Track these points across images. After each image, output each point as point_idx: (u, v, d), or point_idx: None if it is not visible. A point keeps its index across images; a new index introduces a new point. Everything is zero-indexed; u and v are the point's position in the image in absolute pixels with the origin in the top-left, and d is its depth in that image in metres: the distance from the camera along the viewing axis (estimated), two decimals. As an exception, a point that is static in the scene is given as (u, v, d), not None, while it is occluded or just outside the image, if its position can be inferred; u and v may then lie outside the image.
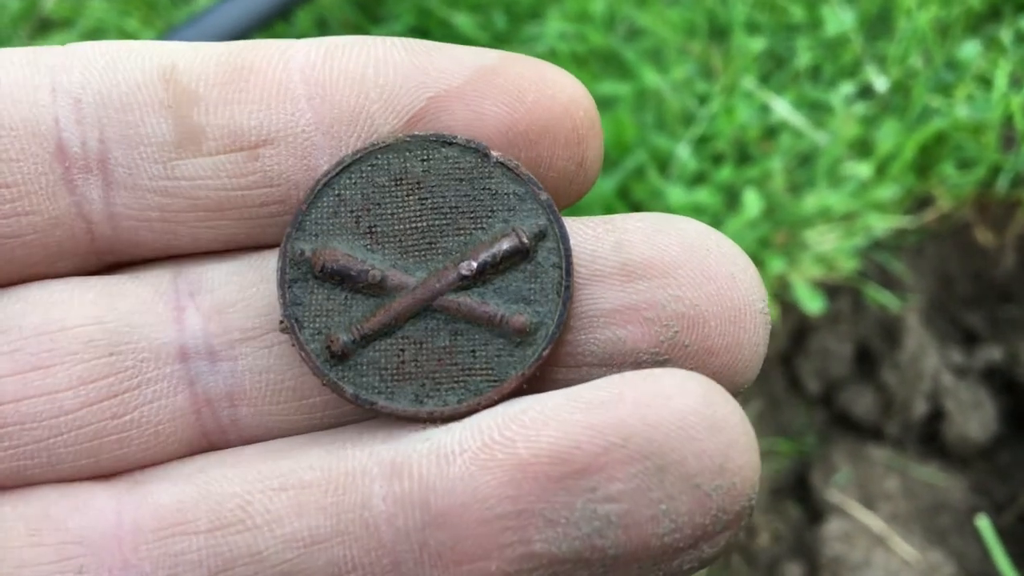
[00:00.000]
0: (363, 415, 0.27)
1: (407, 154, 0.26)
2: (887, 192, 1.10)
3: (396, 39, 0.26)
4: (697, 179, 1.13)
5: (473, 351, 0.26)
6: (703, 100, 1.15)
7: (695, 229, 0.26)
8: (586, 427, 0.23)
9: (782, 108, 1.13)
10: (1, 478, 0.26)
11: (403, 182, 0.26)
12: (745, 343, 0.25)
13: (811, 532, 1.03)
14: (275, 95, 0.26)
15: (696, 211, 1.09)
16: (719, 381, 0.25)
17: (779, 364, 1.13)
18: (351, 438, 0.26)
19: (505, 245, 0.26)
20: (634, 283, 0.25)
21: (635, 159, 1.12)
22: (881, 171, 1.12)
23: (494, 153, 0.26)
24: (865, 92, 1.16)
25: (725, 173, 1.11)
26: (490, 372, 0.25)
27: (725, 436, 0.23)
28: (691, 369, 0.25)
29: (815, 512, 1.04)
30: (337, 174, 0.26)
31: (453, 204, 0.26)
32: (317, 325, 0.26)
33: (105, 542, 0.25)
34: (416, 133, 0.26)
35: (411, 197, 0.26)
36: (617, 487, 0.22)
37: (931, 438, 1.08)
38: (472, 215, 0.26)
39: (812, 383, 1.11)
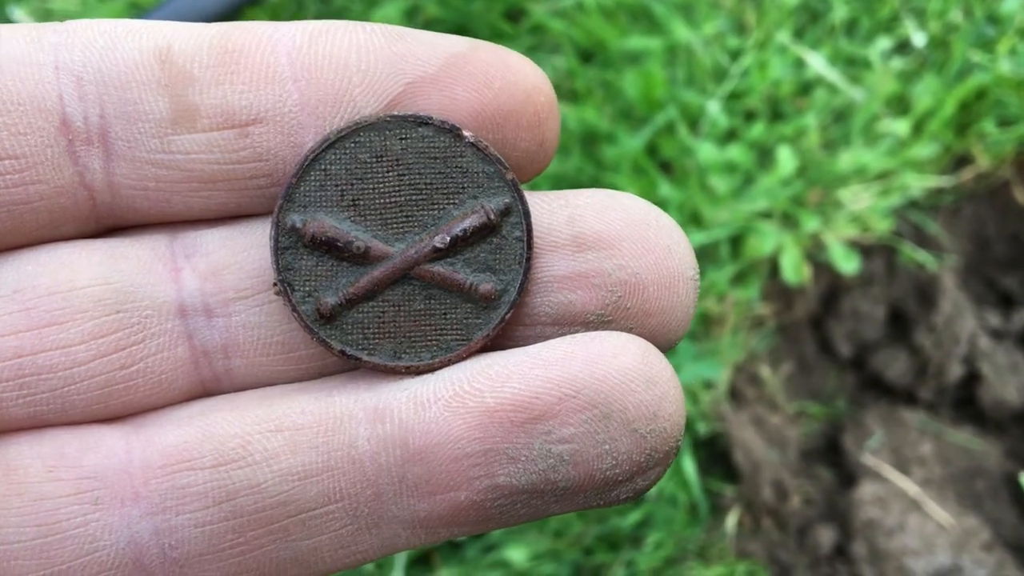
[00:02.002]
0: (346, 367, 0.30)
1: (387, 132, 0.28)
2: (924, 150, 1.07)
3: (375, 25, 0.28)
4: (728, 136, 1.10)
5: (445, 314, 0.29)
6: (735, 55, 1.12)
7: (638, 206, 0.29)
8: (544, 380, 0.27)
9: (817, 63, 1.10)
10: (18, 422, 0.29)
11: (384, 159, 0.29)
12: (678, 306, 0.29)
13: (843, 496, 1.01)
14: (264, 77, 0.28)
15: (728, 168, 1.06)
16: (654, 339, 0.29)
17: (810, 326, 1.10)
18: (337, 387, 0.29)
19: (474, 221, 0.29)
20: (584, 253, 0.29)
21: (665, 116, 1.09)
22: (918, 129, 1.09)
23: (466, 133, 0.28)
24: (903, 47, 1.12)
25: (757, 130, 1.08)
26: (460, 332, 0.29)
27: (658, 389, 0.27)
28: (630, 328, 0.29)
29: (847, 476, 1.02)
30: (323, 150, 0.28)
31: (428, 181, 0.29)
32: (307, 288, 0.29)
33: (117, 477, 0.28)
34: (396, 113, 0.28)
35: (391, 173, 0.29)
36: (569, 430, 0.27)
37: (966, 402, 1.06)
38: (446, 191, 0.29)
39: (844, 346, 1.08)
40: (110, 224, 0.30)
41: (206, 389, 0.30)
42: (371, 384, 0.29)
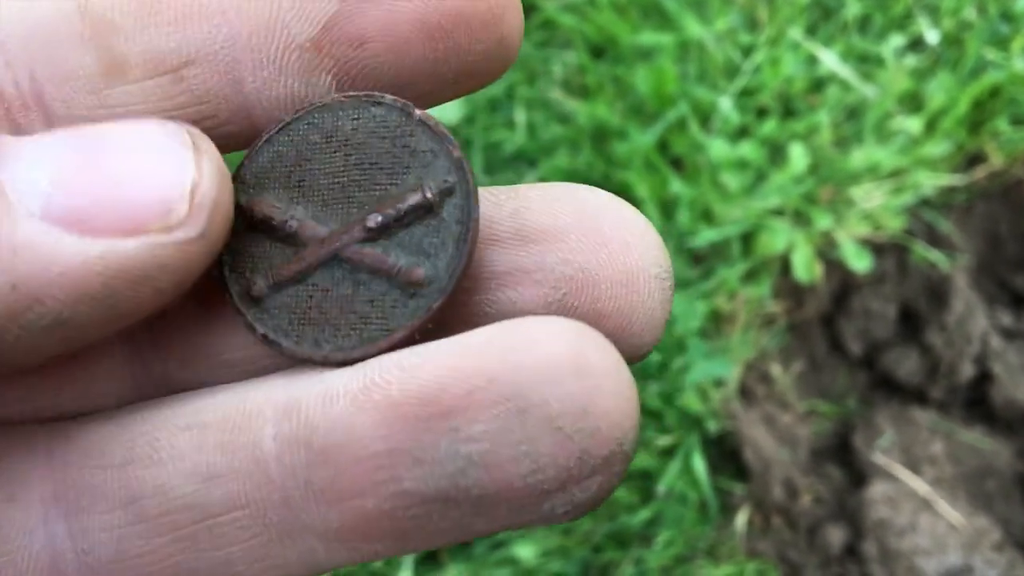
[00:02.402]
0: (270, 356, 0.28)
1: (340, 113, 0.27)
2: (937, 148, 1.07)
3: None
4: (740, 133, 1.09)
5: (371, 300, 0.26)
6: (747, 52, 1.12)
7: (596, 198, 0.27)
8: (453, 369, 0.23)
9: (830, 60, 1.09)
10: None
11: (333, 139, 0.27)
12: (638, 307, 0.26)
13: (854, 495, 1.00)
14: (188, 14, 0.26)
15: (740, 165, 1.06)
16: (616, 344, 0.24)
17: (821, 325, 1.10)
18: (256, 384, 0.26)
19: (410, 200, 0.26)
20: (526, 247, 0.26)
21: (676, 112, 1.08)
22: (931, 126, 1.08)
23: (417, 112, 0.26)
24: (916, 44, 1.12)
25: (769, 127, 1.07)
26: (384, 322, 0.26)
27: (591, 381, 0.23)
28: None
29: (858, 475, 1.02)
30: (276, 132, 0.27)
31: (373, 160, 0.27)
32: (242, 269, 0.27)
33: (37, 474, 0.26)
34: (351, 93, 0.27)
35: (338, 154, 0.27)
36: (479, 428, 0.23)
37: (978, 402, 1.05)
38: (390, 171, 0.27)
39: (855, 344, 1.08)
40: None
41: (142, 395, 0.28)
42: (289, 380, 0.26)
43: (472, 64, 0.26)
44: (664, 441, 1.01)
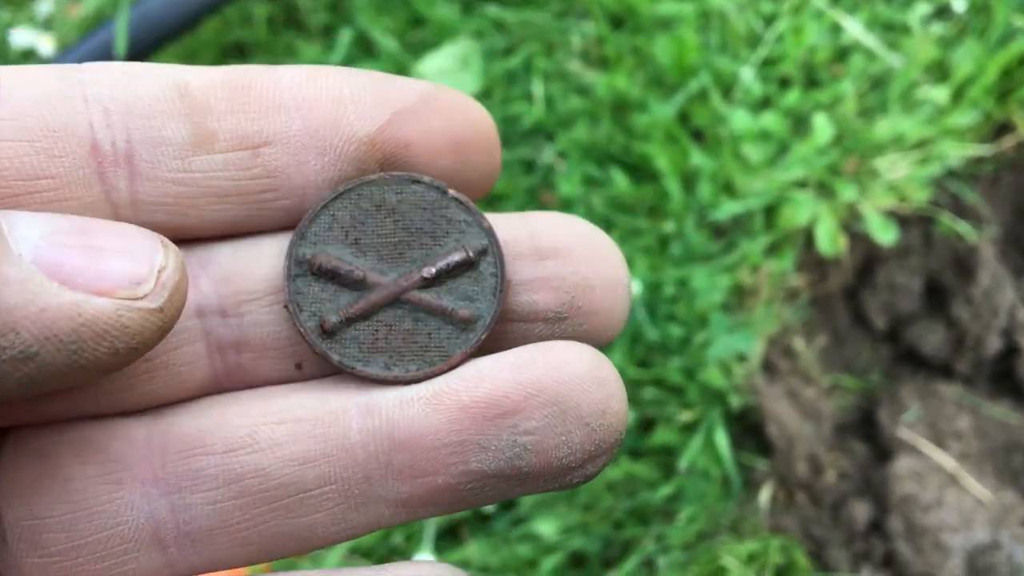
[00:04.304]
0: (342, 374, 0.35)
1: (385, 188, 0.34)
2: (964, 118, 1.04)
3: (360, 71, 0.34)
4: (762, 104, 1.07)
5: (429, 334, 0.34)
6: (769, 20, 1.09)
7: (584, 225, 0.35)
8: (512, 381, 0.31)
9: (854, 28, 1.07)
10: (55, 415, 0.32)
11: (382, 208, 0.34)
12: (617, 306, 0.34)
13: (879, 471, 0.99)
14: (271, 107, 0.32)
15: (762, 137, 1.04)
16: (598, 333, 0.34)
17: (844, 298, 1.08)
18: (332, 388, 0.34)
19: (456, 257, 0.34)
20: (544, 261, 0.34)
21: (697, 82, 1.06)
22: (958, 96, 1.06)
23: (451, 191, 0.34)
24: (942, 12, 1.09)
25: (792, 97, 1.05)
26: (441, 349, 0.34)
27: (606, 389, 0.32)
28: (581, 324, 0.34)
29: (883, 450, 1.01)
30: (332, 200, 0.33)
31: (419, 226, 0.34)
32: (312, 309, 0.34)
33: (138, 461, 0.32)
34: (393, 172, 0.34)
35: (388, 219, 0.34)
36: (532, 424, 0.31)
37: (1004, 375, 1.04)
38: (433, 235, 0.34)
39: (879, 318, 1.06)
40: None
41: (218, 382, 0.34)
42: (360, 387, 0.33)
43: (476, 179, 0.35)
44: (686, 416, 0.99)
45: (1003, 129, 1.07)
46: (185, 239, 0.34)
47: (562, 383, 0.31)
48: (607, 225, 1.04)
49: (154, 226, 0.32)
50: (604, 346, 0.35)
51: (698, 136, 1.08)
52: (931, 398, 1.03)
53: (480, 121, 0.34)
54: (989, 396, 1.03)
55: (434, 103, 0.33)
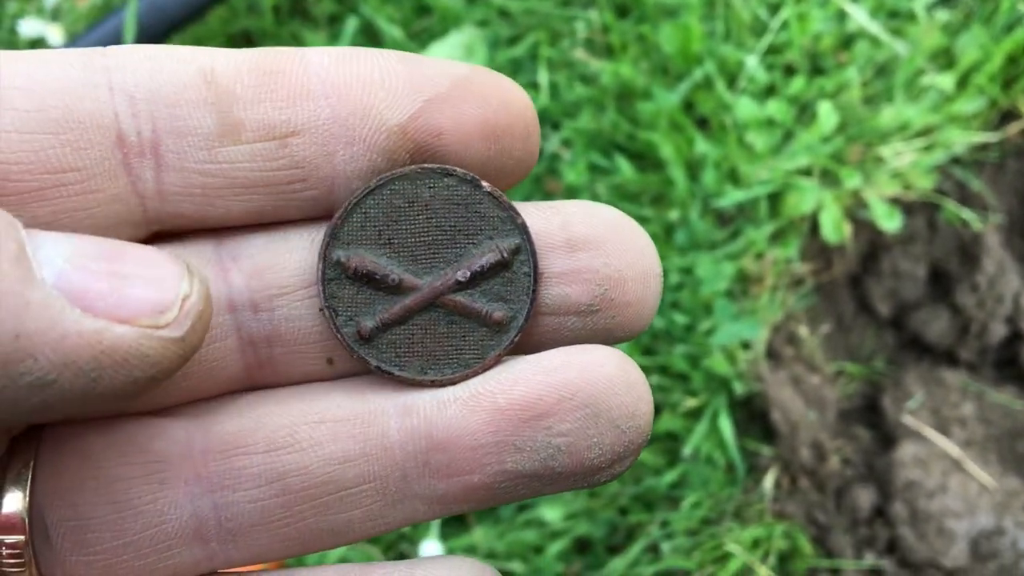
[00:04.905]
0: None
1: (418, 182, 0.33)
2: (969, 105, 1.04)
3: (391, 52, 0.32)
4: (767, 92, 1.07)
5: (464, 336, 0.34)
6: (774, 8, 1.09)
7: (615, 214, 0.34)
8: (546, 385, 0.32)
9: (859, 15, 1.07)
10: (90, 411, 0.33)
11: (415, 204, 0.33)
12: (649, 298, 0.34)
13: (883, 457, 0.99)
14: (299, 94, 0.31)
15: (767, 125, 1.04)
16: (630, 325, 0.34)
17: (849, 286, 1.08)
18: (368, 388, 0.34)
19: (491, 258, 0.33)
20: (576, 253, 0.33)
21: (702, 70, 1.06)
22: (963, 83, 1.06)
23: (484, 184, 0.33)
24: (948, -2, 1.09)
25: (797, 85, 1.05)
26: (477, 352, 0.34)
27: (636, 393, 0.32)
28: (613, 316, 0.34)
29: (887, 437, 1.01)
30: (363, 196, 0.33)
31: (452, 223, 0.34)
32: (348, 313, 0.34)
33: (180, 460, 0.32)
34: (425, 165, 0.33)
35: (420, 216, 0.34)
36: (566, 426, 0.32)
37: (1008, 362, 1.04)
38: (466, 233, 0.34)
39: (883, 305, 1.06)
40: (157, 229, 0.33)
41: (250, 377, 0.34)
42: (397, 388, 0.34)
43: (511, 166, 0.34)
44: (691, 403, 1.00)
45: (1008, 116, 1.07)
46: (211, 228, 0.33)
47: (595, 386, 0.32)
48: (612, 213, 1.04)
49: (180, 216, 0.32)
50: (634, 338, 0.35)
51: (703, 124, 1.08)
52: (935, 385, 1.03)
53: (518, 105, 0.33)
54: (993, 383, 1.03)
55: (469, 88, 0.32)
